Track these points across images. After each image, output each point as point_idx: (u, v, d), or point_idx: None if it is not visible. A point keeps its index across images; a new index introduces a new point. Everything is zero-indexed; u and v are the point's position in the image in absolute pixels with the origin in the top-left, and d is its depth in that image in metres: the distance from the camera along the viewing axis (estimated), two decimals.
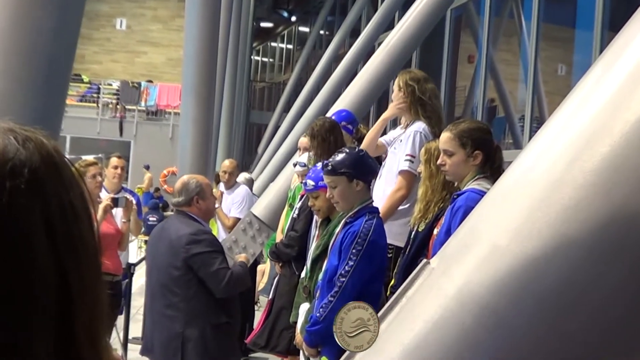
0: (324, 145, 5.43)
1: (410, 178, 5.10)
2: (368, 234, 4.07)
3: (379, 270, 4.20)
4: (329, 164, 4.25)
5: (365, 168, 4.26)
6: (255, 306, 8.94)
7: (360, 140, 6.16)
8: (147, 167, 24.79)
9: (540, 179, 1.58)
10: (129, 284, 7.47)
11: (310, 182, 4.77)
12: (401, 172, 5.12)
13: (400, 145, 5.22)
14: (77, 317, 0.90)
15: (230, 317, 4.90)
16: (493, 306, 1.55)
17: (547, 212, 1.54)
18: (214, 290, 4.76)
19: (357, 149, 4.37)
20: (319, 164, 4.85)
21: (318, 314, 4.11)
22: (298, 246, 5.47)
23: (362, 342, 2.10)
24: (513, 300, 1.54)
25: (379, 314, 1.75)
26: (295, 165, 5.89)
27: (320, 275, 4.45)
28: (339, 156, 4.25)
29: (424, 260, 1.75)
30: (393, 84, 5.61)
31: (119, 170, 7.23)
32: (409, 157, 5.10)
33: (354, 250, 4.04)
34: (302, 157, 5.88)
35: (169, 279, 4.79)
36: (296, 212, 5.72)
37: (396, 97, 5.35)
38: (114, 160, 7.28)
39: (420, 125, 5.19)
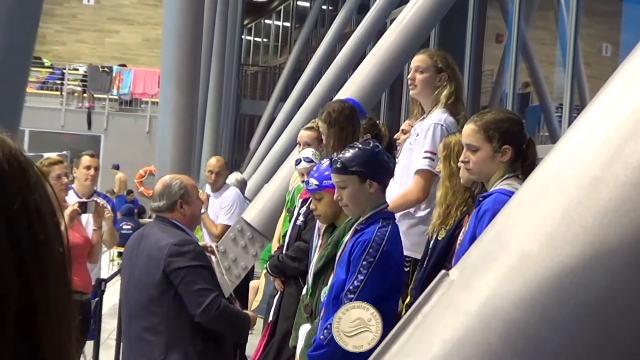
0: (341, 136, 5.37)
1: (430, 179, 5.05)
2: (381, 243, 4.06)
3: (393, 286, 4.19)
4: (339, 160, 4.24)
5: (380, 167, 4.25)
6: None
7: (375, 137, 6.15)
8: (117, 167, 24.81)
9: (577, 177, 1.60)
10: (99, 304, 7.48)
11: (313, 181, 4.75)
12: (419, 172, 5.09)
13: (417, 140, 5.17)
14: (42, 334, 0.92)
15: (218, 341, 4.91)
16: (522, 324, 1.57)
17: (584, 215, 1.55)
18: (192, 312, 4.74)
19: (371, 144, 4.35)
20: (324, 161, 4.84)
21: (322, 337, 4.09)
22: (308, 259, 5.46)
23: (362, 342, 2.15)
24: (545, 316, 1.56)
25: (391, 333, 1.77)
26: (298, 162, 5.87)
27: (324, 292, 4.47)
28: (350, 152, 4.23)
29: (443, 272, 1.77)
30: (408, 68, 5.58)
31: (92, 171, 7.23)
32: (428, 154, 5.03)
33: (364, 262, 4.03)
34: (306, 152, 5.86)
35: (149, 297, 4.81)
36: (301, 218, 5.71)
37: (429, 80, 5.27)
38: (86, 160, 7.28)
39: (441, 116, 5.12)
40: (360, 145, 4.30)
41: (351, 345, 1.73)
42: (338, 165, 4.22)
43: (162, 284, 4.77)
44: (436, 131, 5.05)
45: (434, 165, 5.00)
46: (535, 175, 1.76)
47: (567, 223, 1.57)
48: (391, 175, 4.37)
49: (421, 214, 5.10)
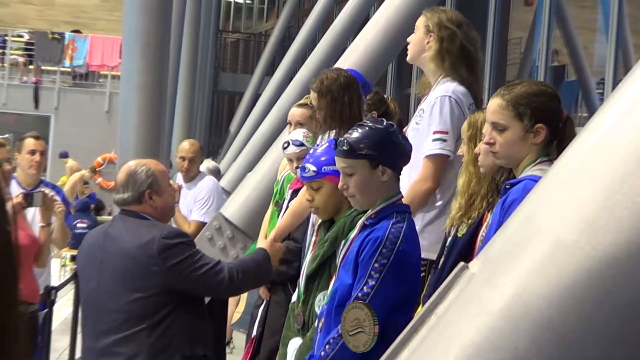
0: (334, 107, 5.33)
1: (441, 164, 5.05)
2: (396, 242, 4.04)
3: (410, 293, 4.16)
4: (346, 141, 4.21)
5: (395, 150, 4.21)
6: (227, 347, 8.97)
7: (383, 115, 6.14)
8: (65, 155, 24.72)
9: (621, 150, 1.61)
10: (49, 317, 7.47)
11: (311, 167, 4.72)
12: (429, 157, 5.08)
13: (423, 118, 5.16)
14: None
15: (207, 349, 4.95)
16: (556, 325, 1.59)
17: (630, 195, 1.57)
18: (220, 293, 5.13)
19: (384, 123, 4.30)
20: (323, 142, 4.83)
21: (323, 353, 4.04)
22: (299, 262, 5.46)
23: (358, 343, 2.19)
24: (584, 316, 1.58)
25: (400, 337, 1.79)
26: (286, 145, 5.87)
27: (319, 299, 4.48)
28: (359, 131, 4.18)
29: (461, 264, 1.78)
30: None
31: (37, 157, 7.21)
32: (439, 135, 5.03)
33: (376, 265, 4.00)
34: (296, 134, 5.85)
35: (128, 304, 4.80)
36: None
37: (418, 42, 5.27)
38: (29, 143, 7.26)
39: (449, 86, 5.11)
40: (370, 124, 4.23)
41: (351, 344, 1.77)
42: (345, 147, 4.16)
43: (151, 288, 4.78)
44: (444, 105, 5.04)
45: (447, 147, 4.99)
46: (572, 150, 1.77)
47: (610, 205, 1.58)
48: (407, 160, 4.34)
49: (437, 205, 5.09)
